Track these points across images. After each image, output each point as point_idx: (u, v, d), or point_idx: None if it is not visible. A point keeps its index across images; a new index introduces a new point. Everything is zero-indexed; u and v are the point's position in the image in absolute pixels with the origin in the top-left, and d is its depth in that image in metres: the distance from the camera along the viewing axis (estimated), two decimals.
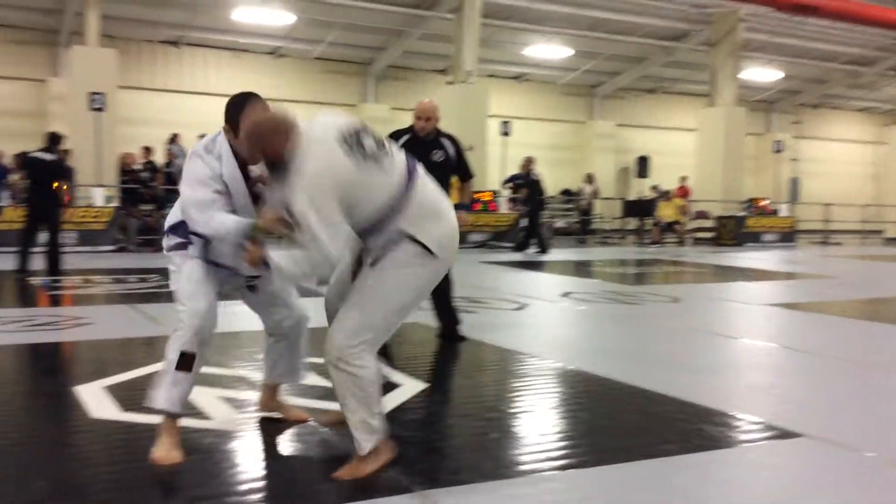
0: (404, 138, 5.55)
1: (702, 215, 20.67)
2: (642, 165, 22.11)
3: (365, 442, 2.90)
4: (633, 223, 20.11)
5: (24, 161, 10.59)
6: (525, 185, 15.22)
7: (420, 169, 3.05)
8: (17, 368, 4.94)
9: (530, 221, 15.14)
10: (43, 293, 8.18)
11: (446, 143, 5.58)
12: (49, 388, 4.34)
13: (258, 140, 2.88)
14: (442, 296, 5.70)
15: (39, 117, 18.36)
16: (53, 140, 9.62)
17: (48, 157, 9.46)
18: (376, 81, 22.52)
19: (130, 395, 3.80)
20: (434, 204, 3.01)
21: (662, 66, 23.56)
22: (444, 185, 5.54)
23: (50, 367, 5.02)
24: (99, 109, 13.81)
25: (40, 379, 4.71)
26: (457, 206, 5.64)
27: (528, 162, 15.30)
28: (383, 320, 2.95)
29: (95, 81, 14.89)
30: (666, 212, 18.70)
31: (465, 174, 5.79)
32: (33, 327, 6.00)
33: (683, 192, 19.86)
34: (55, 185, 9.59)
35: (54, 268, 9.40)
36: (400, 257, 2.90)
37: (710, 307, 8.04)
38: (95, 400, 3.83)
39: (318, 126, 2.92)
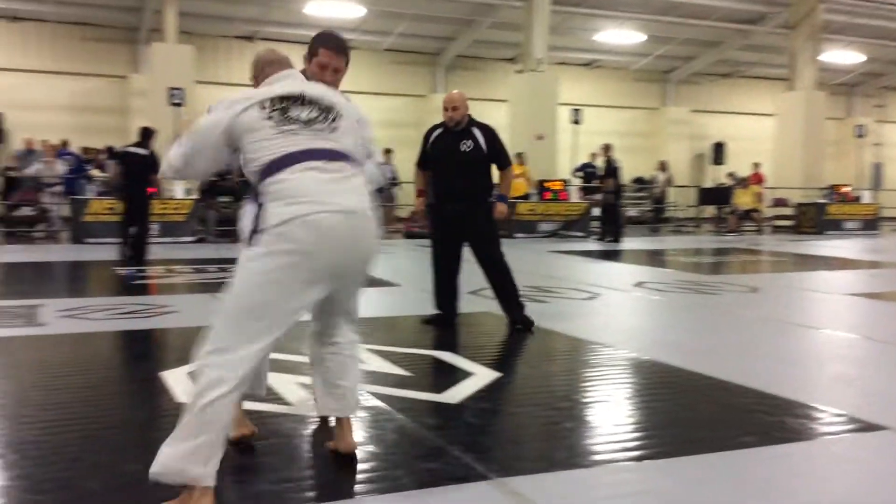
0: (437, 132, 5.69)
1: (781, 203, 20.10)
2: (718, 152, 21.60)
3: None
4: (708, 211, 19.70)
5: (119, 155, 10.99)
6: (606, 173, 15.04)
7: (349, 160, 2.74)
8: (107, 354, 5.15)
9: (611, 210, 14.98)
10: (130, 283, 8.50)
11: (476, 132, 5.58)
12: (137, 373, 4.52)
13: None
14: (499, 287, 5.71)
15: (121, 113, 19.03)
16: (146, 135, 9.99)
17: (142, 151, 9.83)
18: (445, 72, 22.57)
19: None
20: (300, 189, 2.58)
21: (738, 49, 22.96)
22: (477, 174, 5.60)
23: (138, 354, 5.24)
24: (178, 104, 14.22)
25: (129, 365, 4.92)
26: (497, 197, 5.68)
27: (607, 149, 15.07)
28: (233, 324, 2.55)
29: (174, 77, 15.35)
30: (743, 199, 18.27)
31: (500, 163, 5.75)
32: (122, 315, 6.26)
33: (757, 178, 19.34)
34: (149, 178, 9.95)
35: (140, 258, 9.76)
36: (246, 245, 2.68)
37: (790, 297, 7.84)
38: (181, 385, 3.97)
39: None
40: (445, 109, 5.55)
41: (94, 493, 2.64)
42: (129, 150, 10.03)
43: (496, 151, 5.66)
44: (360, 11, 18.76)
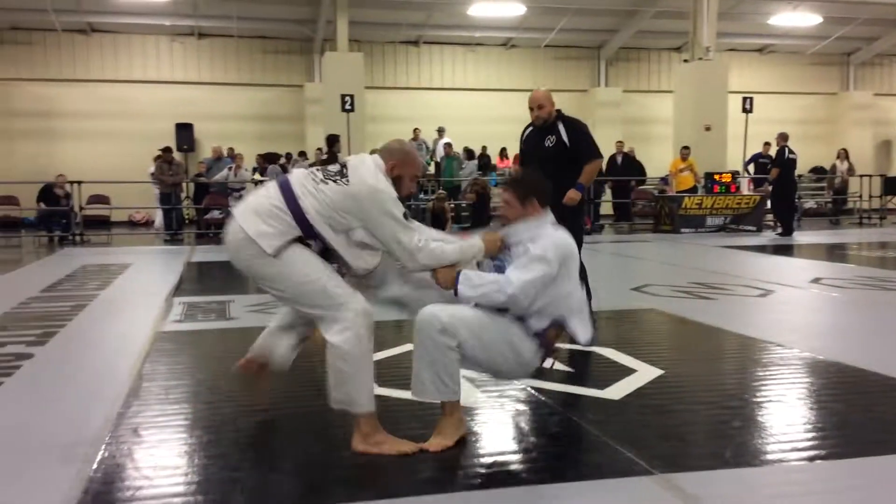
0: (528, 130, 5.77)
1: None
2: None
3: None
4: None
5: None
6: (773, 163, 14.39)
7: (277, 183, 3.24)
8: None
9: (776, 202, 14.33)
10: None
11: (560, 127, 5.53)
12: (319, 364, 4.84)
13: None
14: None
15: (298, 120, 20.17)
16: (330, 142, 10.69)
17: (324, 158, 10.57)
18: (607, 65, 22.26)
19: (386, 371, 4.16)
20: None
21: None
22: (561, 168, 5.43)
23: (319, 346, 5.59)
24: (349, 110, 14.90)
25: (311, 356, 5.26)
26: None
27: (782, 138, 14.35)
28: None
29: (345, 84, 16.10)
30: None
31: (584, 155, 5.57)
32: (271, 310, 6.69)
33: None
34: None
35: None
36: None
37: None
38: None
39: None
40: (531, 109, 5.58)
41: (286, 472, 2.90)
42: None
43: (578, 145, 5.56)
44: (520, 10, 18.87)
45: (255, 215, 3.13)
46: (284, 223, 3.10)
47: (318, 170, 3.28)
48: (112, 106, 19.37)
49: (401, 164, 3.27)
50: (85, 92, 19.36)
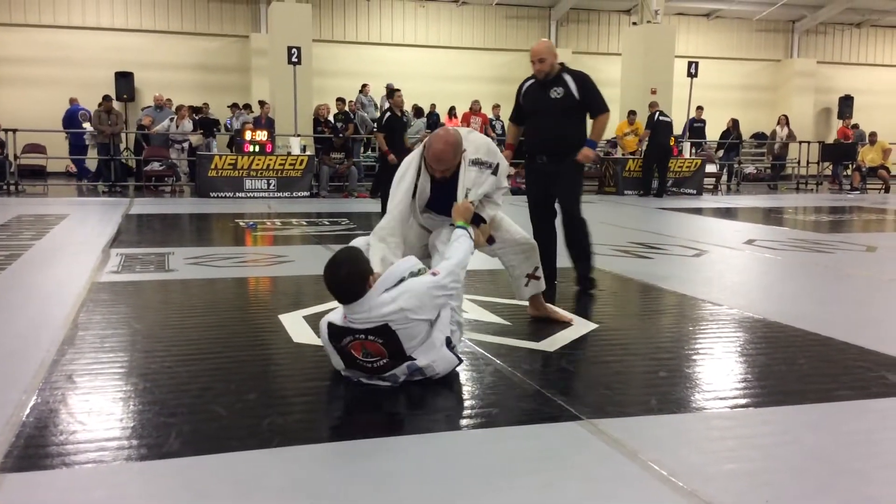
0: (528, 83, 5.64)
1: None
2: (845, 106, 20.54)
3: None
4: (832, 169, 18.85)
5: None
6: (648, 126, 14.87)
7: None
8: (230, 298, 5.52)
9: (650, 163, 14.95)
10: (249, 233, 8.98)
11: (568, 79, 5.45)
12: (257, 315, 4.86)
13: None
14: (573, 243, 5.65)
15: (243, 72, 19.77)
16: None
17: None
18: (558, 25, 22.26)
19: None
20: None
21: None
22: (568, 122, 5.45)
23: (257, 298, 5.61)
24: (296, 63, 14.67)
25: (249, 307, 5.27)
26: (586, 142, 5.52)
27: (652, 106, 15.16)
28: None
29: (293, 36, 15.80)
30: (869, 156, 17.36)
31: (592, 109, 5.54)
32: (243, 263, 6.67)
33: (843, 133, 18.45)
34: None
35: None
36: None
37: None
38: (296, 327, 4.27)
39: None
40: (533, 62, 5.49)
41: (220, 417, 2.92)
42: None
43: (589, 97, 5.48)
44: None
45: None
46: None
47: None
48: (49, 52, 18.72)
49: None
50: (21, 37, 18.67)
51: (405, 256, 3.57)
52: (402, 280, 3.27)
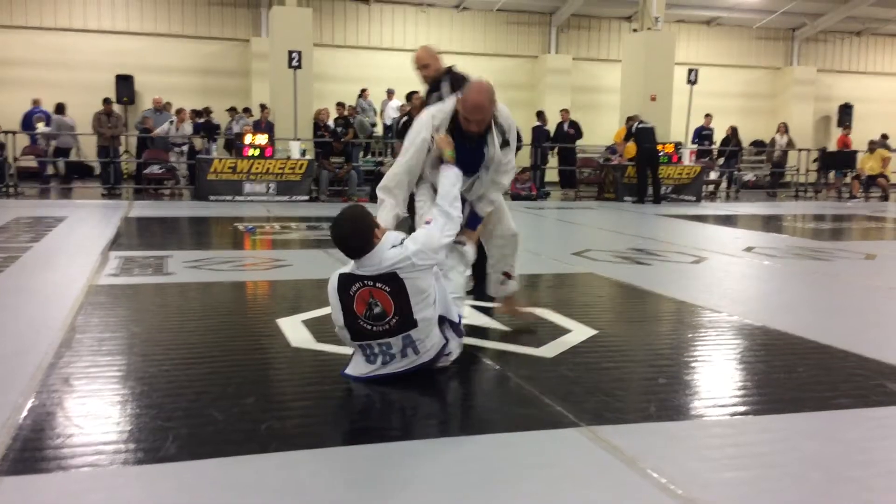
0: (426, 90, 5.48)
1: None
2: (844, 114, 20.56)
3: None
4: (832, 177, 18.87)
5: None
6: (634, 133, 14.96)
7: None
8: (228, 302, 5.51)
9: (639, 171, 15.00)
10: (248, 237, 8.98)
11: (444, 85, 5.25)
12: (255, 319, 4.85)
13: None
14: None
15: (243, 75, 19.78)
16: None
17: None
18: (558, 31, 22.28)
19: (325, 329, 4.19)
20: None
21: (871, 5, 21.67)
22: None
23: (255, 302, 5.60)
24: (296, 67, 14.66)
25: (247, 311, 5.26)
26: None
27: (631, 119, 15.37)
28: None
29: (293, 40, 15.80)
30: (868, 164, 17.38)
31: None
32: (241, 267, 6.66)
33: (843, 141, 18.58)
34: None
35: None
36: None
37: None
38: (294, 331, 4.26)
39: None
40: (418, 70, 5.35)
41: (217, 421, 2.91)
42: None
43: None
44: None
45: None
46: None
47: None
48: (50, 55, 18.70)
49: None
50: (22, 40, 18.65)
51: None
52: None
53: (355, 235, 3.29)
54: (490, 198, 4.14)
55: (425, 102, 5.36)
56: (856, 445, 2.82)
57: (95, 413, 2.99)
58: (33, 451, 2.61)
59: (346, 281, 3.33)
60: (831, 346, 4.14)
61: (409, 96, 11.35)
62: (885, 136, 18.42)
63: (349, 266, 3.38)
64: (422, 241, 3.36)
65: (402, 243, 3.33)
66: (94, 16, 19.15)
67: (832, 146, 20.66)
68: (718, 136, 19.40)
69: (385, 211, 3.78)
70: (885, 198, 17.36)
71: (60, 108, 15.34)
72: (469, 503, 2.32)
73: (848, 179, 18.06)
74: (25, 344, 3.94)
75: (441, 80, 5.31)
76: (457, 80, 5.28)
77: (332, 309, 3.43)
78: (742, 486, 2.46)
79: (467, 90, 3.82)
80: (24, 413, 2.94)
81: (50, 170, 16.18)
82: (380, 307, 3.27)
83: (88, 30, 19.04)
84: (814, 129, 23.59)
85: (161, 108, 15.94)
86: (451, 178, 3.75)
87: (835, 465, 2.62)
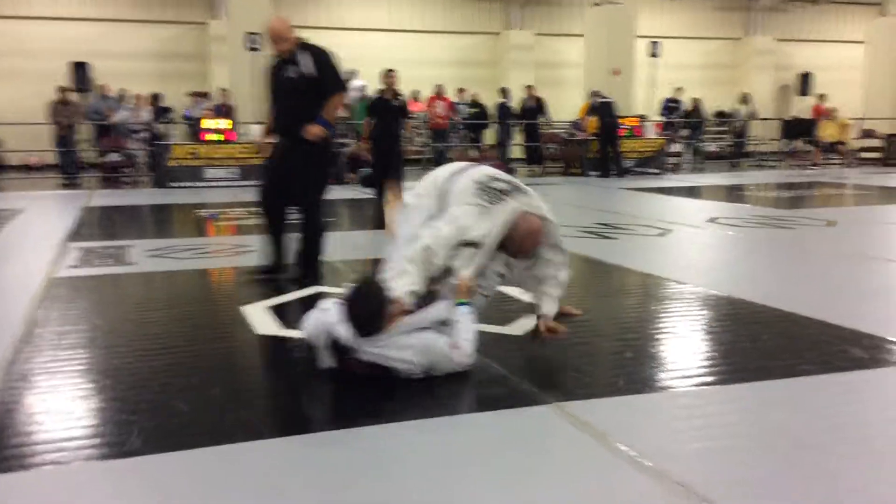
0: (274, 62, 5.27)
1: (869, 134, 19.29)
2: (804, 83, 20.78)
3: None
4: (793, 145, 19.09)
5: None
6: (594, 109, 15.01)
7: None
8: (191, 290, 5.44)
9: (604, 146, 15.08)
10: (211, 223, 8.86)
11: (303, 57, 5.05)
12: (219, 307, 4.79)
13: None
14: (302, 241, 5.35)
15: (201, 59, 19.45)
16: None
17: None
18: (521, 7, 22.18)
19: (290, 315, 4.14)
20: None
21: None
22: (305, 102, 5.04)
23: (219, 290, 5.53)
24: (255, 49, 14.44)
25: (211, 300, 5.20)
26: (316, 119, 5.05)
27: (593, 94, 15.44)
28: None
29: (251, 22, 15.54)
30: (828, 131, 17.60)
31: (325, 88, 5.08)
32: (204, 254, 6.57)
33: (818, 112, 18.75)
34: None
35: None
36: None
37: (869, 231, 7.64)
38: (260, 318, 4.21)
39: None
40: (274, 43, 5.13)
41: (183, 413, 2.87)
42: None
43: (326, 76, 5.06)
44: None
45: None
46: None
47: None
48: (2, 44, 18.24)
49: None
50: None
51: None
52: (424, 328, 3.20)
53: (370, 322, 3.10)
54: (553, 294, 3.74)
55: (281, 76, 5.11)
56: (821, 412, 2.85)
57: (57, 409, 2.94)
58: None
59: (341, 346, 3.15)
60: (795, 314, 4.19)
61: (389, 73, 10.64)
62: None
63: (336, 315, 3.15)
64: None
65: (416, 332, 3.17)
66: (48, 2, 18.68)
67: (794, 115, 20.87)
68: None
69: (408, 286, 3.24)
70: (844, 164, 17.61)
71: None
72: (440, 483, 2.31)
73: (809, 147, 18.29)
74: None
75: (296, 52, 5.07)
76: (317, 54, 5.11)
77: (316, 349, 3.26)
78: (710, 455, 2.47)
79: (527, 226, 3.48)
80: None
81: None
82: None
83: (41, 17, 18.58)
84: (774, 99, 23.80)
85: (107, 95, 15.54)
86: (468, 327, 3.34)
87: (801, 433, 2.65)
